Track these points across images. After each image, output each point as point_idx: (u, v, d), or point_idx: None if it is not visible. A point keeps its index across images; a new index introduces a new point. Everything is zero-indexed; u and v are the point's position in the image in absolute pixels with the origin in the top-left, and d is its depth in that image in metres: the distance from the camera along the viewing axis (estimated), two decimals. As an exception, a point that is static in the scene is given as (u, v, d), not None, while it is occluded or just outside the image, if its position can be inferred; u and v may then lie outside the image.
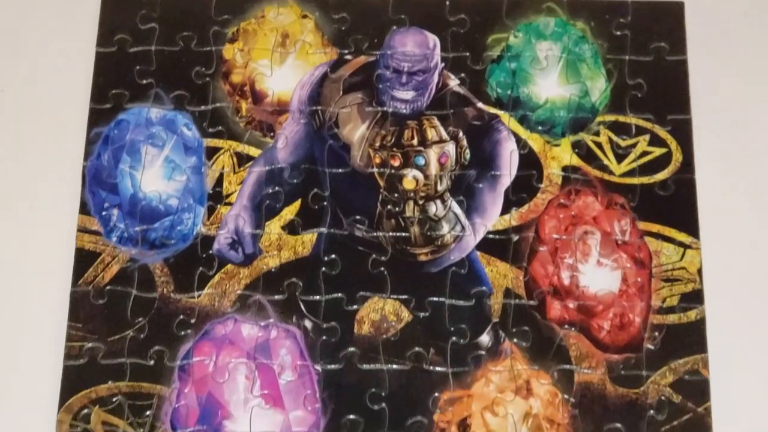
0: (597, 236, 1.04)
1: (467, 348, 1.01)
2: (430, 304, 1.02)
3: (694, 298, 1.02)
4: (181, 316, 1.02)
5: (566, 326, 1.02)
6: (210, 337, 1.01)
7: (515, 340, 1.01)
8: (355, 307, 1.02)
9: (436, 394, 1.00)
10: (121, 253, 1.04)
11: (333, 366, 1.00)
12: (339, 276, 1.03)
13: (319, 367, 1.00)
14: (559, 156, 1.07)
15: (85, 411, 0.99)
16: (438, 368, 1.00)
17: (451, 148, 1.05)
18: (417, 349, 1.01)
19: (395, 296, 1.02)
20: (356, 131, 1.06)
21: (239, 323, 1.02)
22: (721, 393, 0.99)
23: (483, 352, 1.01)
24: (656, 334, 1.01)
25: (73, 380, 1.00)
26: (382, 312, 1.02)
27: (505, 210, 1.05)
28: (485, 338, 1.02)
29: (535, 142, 1.08)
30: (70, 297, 1.02)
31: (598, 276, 1.03)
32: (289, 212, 1.06)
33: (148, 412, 0.99)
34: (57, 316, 1.02)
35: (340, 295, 1.02)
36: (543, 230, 1.05)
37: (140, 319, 1.02)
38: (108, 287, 1.03)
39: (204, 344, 1.01)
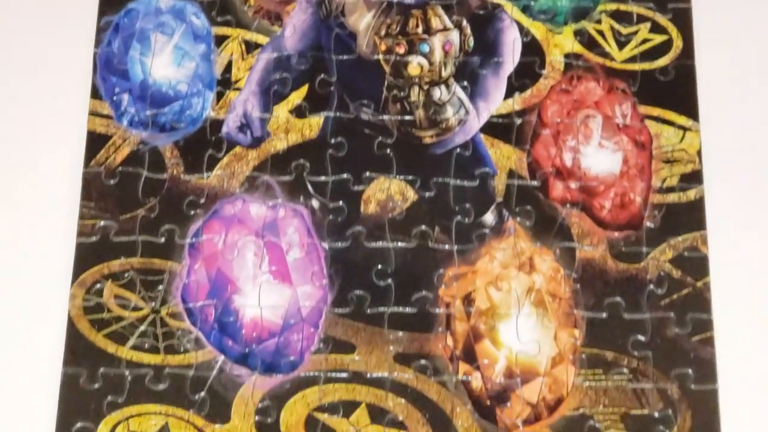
0: (598, 120, 1.06)
1: (471, 226, 1.03)
2: (435, 184, 1.04)
3: (694, 178, 1.04)
4: (191, 197, 1.04)
5: (568, 205, 1.04)
6: (219, 216, 1.03)
7: (518, 218, 1.03)
8: (361, 187, 1.04)
9: (441, 271, 1.02)
10: (131, 136, 1.06)
11: (340, 244, 1.03)
12: (345, 157, 1.05)
13: (326, 245, 1.02)
14: (561, 43, 1.09)
15: (98, 286, 1.01)
16: (443, 246, 1.02)
17: (455, 35, 1.07)
18: (422, 227, 1.03)
19: (401, 177, 1.04)
20: (362, 20, 1.08)
21: (248, 203, 1.04)
22: (720, 268, 1.01)
23: (487, 231, 1.03)
24: (656, 212, 1.03)
25: (85, 256, 1.02)
26: (388, 192, 1.04)
27: (509, 95, 1.07)
28: (489, 217, 1.04)
29: (537, 30, 1.09)
30: (82, 177, 1.04)
31: (600, 157, 1.05)
32: (297, 97, 1.08)
33: (160, 287, 1.01)
34: (70, 196, 1.04)
35: (346, 175, 1.04)
36: (545, 114, 1.07)
37: (151, 198, 1.04)
38: (119, 168, 1.05)
39: (213, 223, 1.03)
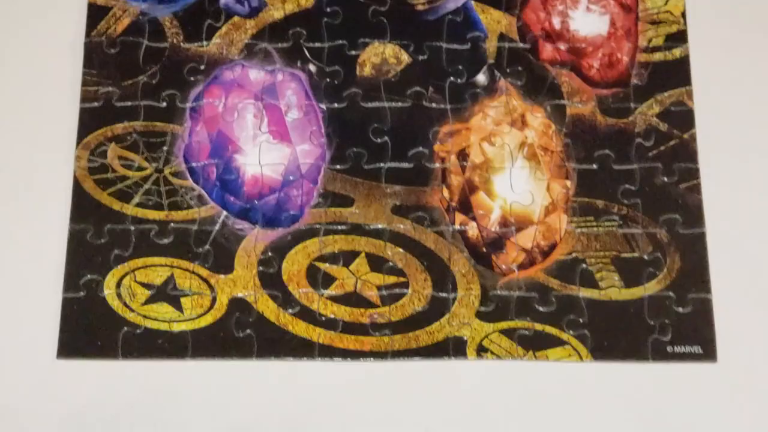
0: (585, -15, 1.09)
1: (464, 86, 1.06)
2: (428, 47, 1.07)
3: (679, 38, 1.08)
4: (192, 63, 1.07)
5: (558, 66, 1.07)
6: (219, 82, 1.06)
7: (510, 79, 1.06)
8: (356, 52, 1.07)
9: (436, 128, 1.05)
10: (131, 8, 1.09)
11: (337, 105, 1.06)
12: (341, 25, 1.08)
13: (323, 106, 1.05)
14: None
15: (102, 148, 1.04)
16: (437, 105, 1.05)
17: None
18: (416, 87, 1.06)
19: (395, 41, 1.07)
20: None
21: (246, 68, 1.07)
22: (705, 120, 1.05)
23: (479, 90, 1.06)
24: (643, 70, 1.07)
25: (89, 120, 1.05)
26: (382, 55, 1.07)
27: (498, -36, 1.10)
28: (481, 77, 1.07)
29: None
30: (84, 47, 1.07)
31: (588, 20, 1.09)
32: (292, -31, 1.10)
33: (163, 148, 1.04)
34: (72, 65, 1.06)
35: (342, 41, 1.07)
36: (534, -19, 1.10)
37: (152, 66, 1.07)
38: (120, 38, 1.08)
39: (213, 88, 1.06)
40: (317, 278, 1.01)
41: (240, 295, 1.00)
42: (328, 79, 1.06)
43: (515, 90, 1.06)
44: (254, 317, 0.99)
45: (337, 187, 1.03)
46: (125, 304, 0.99)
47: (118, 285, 1.00)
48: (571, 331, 0.98)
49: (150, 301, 1.00)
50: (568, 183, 1.03)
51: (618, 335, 0.98)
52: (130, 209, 1.02)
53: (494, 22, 1.09)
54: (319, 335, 0.99)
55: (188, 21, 1.08)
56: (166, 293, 1.00)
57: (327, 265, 1.01)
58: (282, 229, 1.02)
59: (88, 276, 1.00)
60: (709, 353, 0.98)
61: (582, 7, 1.09)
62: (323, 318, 0.99)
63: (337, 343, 0.99)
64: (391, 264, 1.01)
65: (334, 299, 1.00)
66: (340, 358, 0.98)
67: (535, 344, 0.98)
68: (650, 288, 1.00)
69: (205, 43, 1.08)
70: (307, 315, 0.99)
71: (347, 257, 1.01)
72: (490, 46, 1.08)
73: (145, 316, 0.99)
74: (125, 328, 0.98)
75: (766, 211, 1.02)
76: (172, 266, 1.01)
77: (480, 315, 0.99)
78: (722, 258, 1.00)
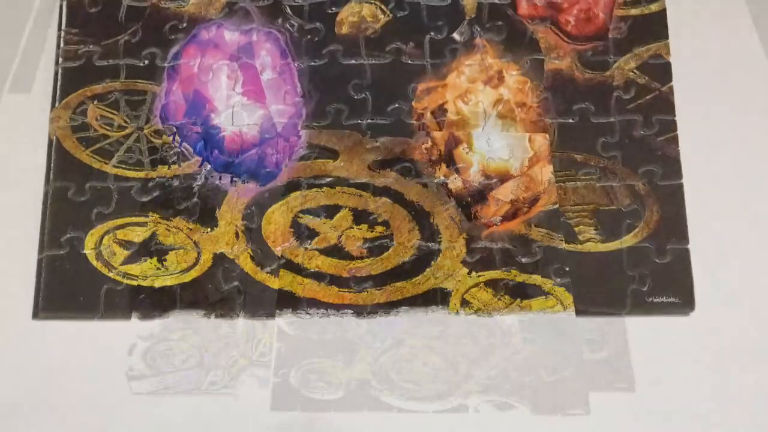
0: (563, -59, 1.10)
1: (444, 42, 1.07)
2: (408, 4, 1.08)
3: (655, -8, 1.09)
4: (172, 22, 1.07)
5: (537, 21, 1.08)
6: (196, 41, 1.07)
7: (489, 34, 1.07)
8: (337, 9, 1.07)
9: (414, 84, 1.05)
10: (112, -33, 1.09)
11: (316, 62, 1.06)
12: (320, -17, 1.08)
13: (302, 64, 1.06)
14: None
15: (83, 107, 1.04)
16: (416, 60, 1.06)
17: None
18: (396, 44, 1.06)
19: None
20: None
21: (222, 28, 1.07)
22: (682, 73, 1.06)
23: (459, 46, 1.07)
24: (621, 24, 1.07)
25: (70, 80, 1.05)
26: (359, 14, 1.08)
27: None
28: (460, 34, 1.07)
29: None
30: (66, 5, 1.07)
31: (565, -25, 1.09)
32: (271, -72, 1.10)
33: (144, 106, 1.04)
34: (53, 23, 1.07)
35: (321, -2, 1.08)
36: (512, -62, 1.10)
37: (133, 24, 1.07)
38: (101, -3, 1.08)
39: (191, 47, 1.06)
40: (300, 232, 1.01)
41: (222, 250, 1.00)
42: (308, 36, 1.07)
43: (494, 46, 1.07)
44: (237, 272, 1.00)
45: (323, 140, 1.04)
46: (106, 262, 1.00)
47: (99, 242, 1.00)
48: (553, 282, 0.99)
49: (132, 257, 1.00)
50: (548, 137, 1.04)
51: (598, 286, 0.99)
52: (111, 167, 1.03)
53: (473, -22, 1.09)
54: (302, 288, 0.99)
55: (168, -20, 1.08)
56: (149, 249, 1.00)
57: (310, 218, 1.02)
58: (263, 185, 1.02)
59: (70, 233, 1.00)
60: (686, 303, 0.99)
61: (559, -38, 1.09)
62: (306, 272, 1.00)
63: (320, 297, 0.99)
64: (374, 217, 1.01)
65: (317, 253, 1.01)
66: (323, 311, 0.99)
67: (518, 294, 0.99)
68: (629, 240, 1.01)
69: (185, 2, 1.08)
70: (290, 269, 1.00)
71: (330, 211, 1.02)
72: (470, 1, 1.08)
73: (126, 273, 0.99)
74: (106, 285, 0.99)
75: (742, 161, 1.03)
76: (156, 222, 1.01)
77: (464, 266, 1.00)
78: (699, 209, 1.01)
